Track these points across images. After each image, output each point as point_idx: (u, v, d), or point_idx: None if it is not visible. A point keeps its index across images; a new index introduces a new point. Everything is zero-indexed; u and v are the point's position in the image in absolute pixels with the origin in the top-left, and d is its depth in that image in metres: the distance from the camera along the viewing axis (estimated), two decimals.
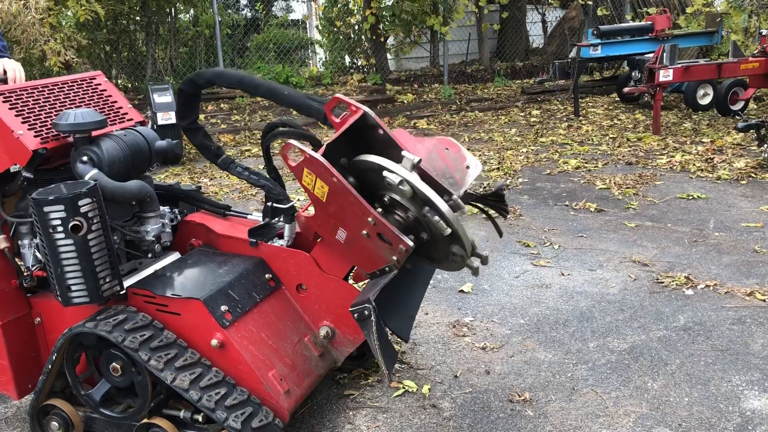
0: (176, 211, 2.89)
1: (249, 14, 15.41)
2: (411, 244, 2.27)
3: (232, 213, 3.00)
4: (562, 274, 4.19)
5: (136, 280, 2.58)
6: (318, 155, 2.30)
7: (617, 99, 11.09)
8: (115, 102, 2.86)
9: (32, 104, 2.56)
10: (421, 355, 3.27)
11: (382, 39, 12.18)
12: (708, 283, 3.93)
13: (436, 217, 2.24)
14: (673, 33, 10.54)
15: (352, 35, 12.90)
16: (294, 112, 10.47)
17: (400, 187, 2.26)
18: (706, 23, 11.24)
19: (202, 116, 9.90)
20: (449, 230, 2.25)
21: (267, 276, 2.70)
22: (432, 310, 3.73)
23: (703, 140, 7.85)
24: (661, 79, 8.17)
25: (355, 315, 2.26)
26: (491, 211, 2.80)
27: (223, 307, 2.45)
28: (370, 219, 2.28)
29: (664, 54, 8.23)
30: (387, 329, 2.59)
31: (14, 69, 2.94)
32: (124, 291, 2.47)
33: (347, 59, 13.24)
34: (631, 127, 8.92)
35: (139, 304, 2.51)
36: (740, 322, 3.46)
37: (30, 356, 2.69)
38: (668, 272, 4.13)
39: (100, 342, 2.45)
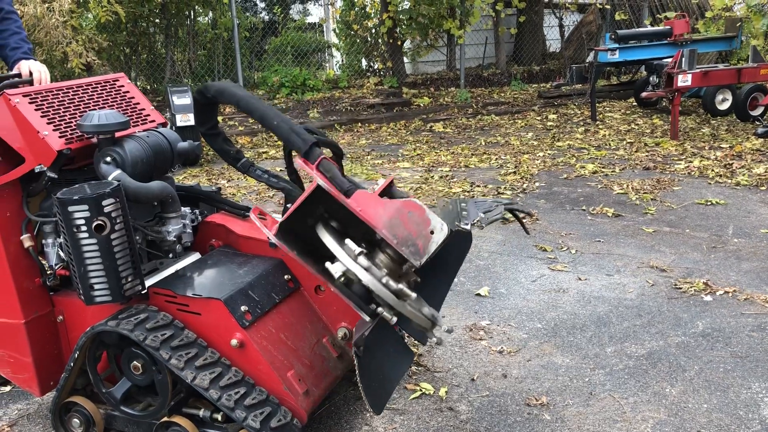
0: (197, 212, 2.92)
1: (267, 17, 15.49)
2: (368, 319, 2.33)
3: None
4: (580, 279, 4.18)
5: (157, 279, 2.60)
6: (271, 235, 2.39)
7: (635, 104, 11.05)
8: (138, 104, 2.89)
9: (57, 105, 2.59)
10: (438, 357, 3.27)
11: (399, 42, 12.21)
12: (727, 290, 3.91)
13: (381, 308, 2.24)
14: (692, 38, 10.48)
15: (369, 38, 12.93)
16: (312, 114, 10.50)
17: (339, 280, 2.26)
18: (726, 28, 11.17)
19: (219, 118, 10.00)
20: (394, 319, 2.24)
21: (286, 277, 2.72)
22: (449, 313, 3.74)
23: (721, 146, 7.79)
24: (680, 84, 8.12)
25: (354, 350, 2.28)
26: (519, 214, 2.79)
27: (243, 308, 2.47)
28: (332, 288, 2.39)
29: (683, 59, 8.19)
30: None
31: (40, 71, 2.99)
32: (145, 290, 2.50)
33: (364, 62, 13.27)
34: (649, 132, 8.87)
35: (160, 304, 2.53)
36: (760, 329, 3.44)
37: (52, 354, 2.72)
38: (686, 278, 4.11)
39: (122, 340, 2.48)
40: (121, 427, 2.63)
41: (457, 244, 2.69)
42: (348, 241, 2.29)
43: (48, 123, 2.51)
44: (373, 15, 12.69)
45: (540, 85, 12.98)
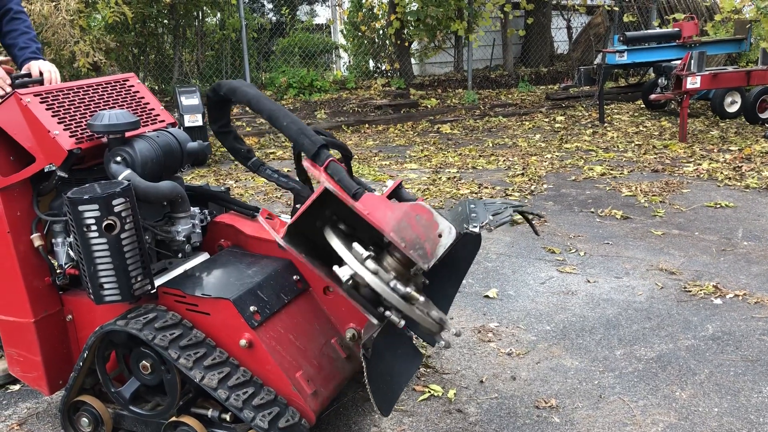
0: (206, 212, 2.92)
1: (274, 18, 15.51)
2: (376, 322, 2.38)
3: None
4: (588, 281, 4.16)
5: (166, 279, 2.60)
6: (279, 238, 2.44)
7: (643, 106, 11.01)
8: (148, 103, 2.89)
9: (68, 105, 2.60)
10: (447, 359, 3.26)
11: (407, 44, 12.20)
12: (737, 293, 3.89)
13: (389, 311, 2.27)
14: (701, 40, 10.44)
15: (377, 40, 12.93)
16: (319, 115, 10.50)
17: (348, 283, 2.29)
18: (735, 30, 11.13)
19: None
20: (402, 323, 2.26)
21: (295, 278, 2.71)
22: (457, 315, 3.73)
23: (731, 148, 7.76)
24: (689, 86, 8.09)
25: (362, 352, 2.30)
26: (528, 216, 2.78)
27: (252, 308, 2.46)
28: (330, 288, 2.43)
29: (692, 61, 8.15)
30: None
31: (50, 71, 2.99)
32: (154, 290, 2.50)
33: (371, 63, 13.27)
34: (657, 135, 8.84)
35: (169, 303, 2.53)
36: None
37: (61, 353, 2.73)
38: (696, 281, 4.09)
39: (131, 340, 2.48)
40: (130, 427, 2.63)
41: (466, 246, 2.69)
42: (356, 244, 2.29)
43: (59, 122, 2.51)
44: (380, 16, 12.69)
45: (548, 87, 12.95)
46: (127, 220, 2.33)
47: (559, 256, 4.61)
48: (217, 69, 11.87)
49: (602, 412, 2.80)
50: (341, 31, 13.66)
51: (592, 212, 5.60)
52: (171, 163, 2.68)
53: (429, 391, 2.97)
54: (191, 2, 10.72)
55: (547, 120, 10.41)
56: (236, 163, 8.04)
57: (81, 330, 2.72)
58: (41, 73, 2.99)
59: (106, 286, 2.36)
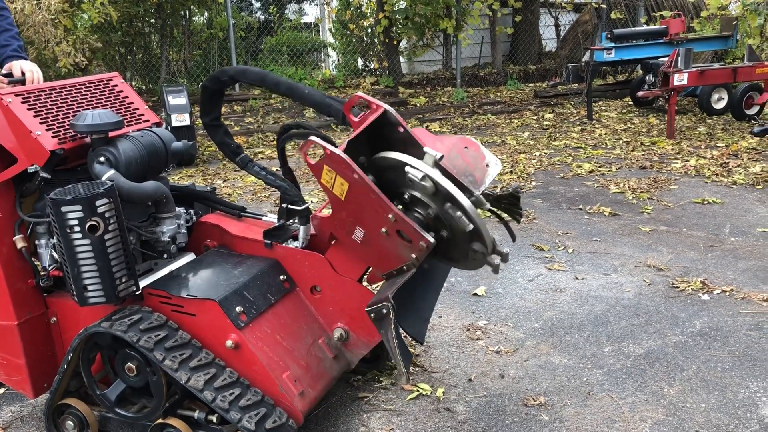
0: (192, 212, 2.90)
1: (262, 17, 15.46)
2: (432, 240, 2.26)
3: (247, 214, 3.00)
4: (577, 278, 4.17)
5: (151, 280, 2.58)
6: (339, 151, 2.30)
7: (631, 103, 11.05)
8: (132, 103, 2.87)
9: (50, 105, 2.57)
10: (435, 358, 3.25)
11: (395, 42, 12.19)
12: (724, 289, 3.90)
13: (458, 213, 2.23)
14: (688, 37, 10.49)
15: (365, 38, 12.92)
16: (308, 114, 10.48)
17: (422, 183, 2.25)
18: (721, 27, 11.18)
19: None
20: (471, 226, 2.24)
21: (282, 277, 2.70)
22: (446, 314, 3.72)
23: (718, 144, 7.80)
24: (676, 83, 8.12)
25: (372, 315, 2.26)
26: (504, 215, 2.79)
27: (238, 308, 2.45)
28: (390, 216, 2.26)
29: (679, 58, 8.18)
30: (402, 331, 2.58)
31: (32, 70, 2.96)
32: (139, 291, 2.48)
33: (360, 62, 13.26)
34: (645, 131, 8.87)
35: (154, 305, 2.51)
36: (757, 328, 3.43)
37: (46, 355, 2.70)
38: (684, 277, 4.10)
39: (116, 342, 2.46)
40: (116, 430, 2.60)
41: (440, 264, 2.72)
42: (427, 148, 2.30)
43: (41, 123, 2.48)
44: (369, 14, 12.67)
45: (536, 85, 12.97)
46: (111, 221, 2.30)
47: (547, 254, 4.61)
48: (204, 68, 11.82)
49: (591, 409, 2.80)
50: (329, 30, 13.64)
51: (581, 209, 5.61)
52: (155, 163, 2.66)
53: (418, 390, 2.96)
54: (178, 1, 10.68)
55: (535, 117, 10.43)
56: (224, 162, 8.01)
57: (66, 332, 2.69)
58: (23, 73, 2.96)
59: (90, 287, 2.34)
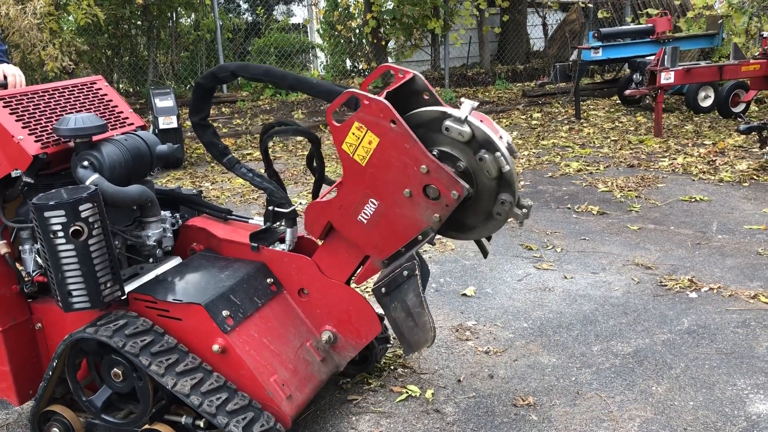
0: (177, 215, 2.88)
1: (250, 18, 15.42)
2: (466, 186, 2.25)
3: (233, 217, 2.99)
4: (565, 278, 4.17)
5: (137, 285, 2.56)
6: (381, 98, 2.29)
7: (618, 101, 11.08)
8: (116, 107, 2.85)
9: (33, 109, 2.54)
10: (424, 359, 3.25)
11: (383, 43, 12.19)
12: (712, 286, 3.91)
13: (497, 153, 2.24)
14: (674, 35, 10.53)
15: (353, 39, 12.90)
16: (296, 115, 10.45)
17: (461, 128, 2.25)
18: (707, 26, 11.24)
19: None
20: (508, 167, 2.25)
21: (268, 280, 2.69)
22: (435, 314, 3.72)
23: (704, 142, 7.83)
24: (663, 81, 8.15)
25: (383, 289, 2.34)
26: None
27: (225, 312, 2.43)
28: (423, 166, 2.25)
29: (665, 56, 8.22)
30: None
31: (14, 74, 2.94)
32: (125, 296, 2.46)
33: (348, 63, 13.24)
34: (633, 130, 8.90)
35: (140, 309, 2.49)
36: (745, 325, 3.44)
37: (31, 362, 2.67)
38: (672, 275, 4.12)
39: (101, 347, 2.44)
40: None
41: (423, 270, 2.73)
42: (464, 99, 2.34)
43: (23, 127, 2.46)
44: (356, 15, 12.66)
45: (524, 84, 13.00)
46: (95, 226, 2.28)
47: (536, 253, 4.62)
48: (192, 70, 11.77)
49: (579, 408, 2.81)
50: (318, 31, 13.61)
51: (569, 208, 5.62)
52: (140, 166, 2.64)
53: (407, 392, 2.96)
54: (165, 3, 10.62)
55: (524, 117, 10.45)
56: (212, 164, 7.98)
57: (51, 338, 2.67)
58: (5, 77, 2.93)
59: (74, 293, 2.31)
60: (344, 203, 2.46)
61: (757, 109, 9.82)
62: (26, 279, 2.59)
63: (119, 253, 2.60)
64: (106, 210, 2.33)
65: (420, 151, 2.26)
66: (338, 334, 2.68)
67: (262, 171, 2.90)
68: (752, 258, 4.34)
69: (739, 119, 8.74)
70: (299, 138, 9.37)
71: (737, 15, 11.45)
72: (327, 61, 13.53)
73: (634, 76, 9.81)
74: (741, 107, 9.23)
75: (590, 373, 3.07)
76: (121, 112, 2.83)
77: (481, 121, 2.38)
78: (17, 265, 2.62)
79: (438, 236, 2.47)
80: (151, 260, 2.69)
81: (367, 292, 4.06)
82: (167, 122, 7.37)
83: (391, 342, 3.30)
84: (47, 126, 2.53)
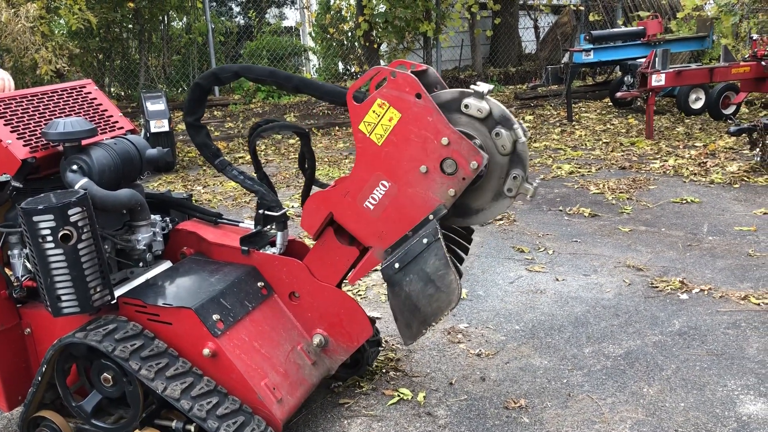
0: (167, 219, 2.87)
1: (242, 21, 15.40)
2: (486, 156, 2.29)
3: (223, 221, 2.98)
4: (557, 280, 4.18)
5: (127, 289, 2.56)
6: (407, 71, 2.33)
7: (610, 104, 11.12)
8: (106, 110, 2.84)
9: (21, 113, 2.54)
10: (416, 362, 3.25)
11: (375, 45, 12.19)
12: (702, 288, 3.93)
13: (515, 125, 2.30)
14: (665, 38, 10.58)
15: (345, 42, 12.91)
16: (288, 118, 10.44)
17: (480, 104, 2.30)
18: (697, 28, 11.30)
19: None
20: (524, 138, 2.31)
21: (259, 284, 2.68)
22: None
23: (695, 144, 7.87)
24: (654, 83, 8.18)
25: (425, 239, 2.34)
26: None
27: (215, 316, 2.43)
28: (444, 138, 2.28)
29: (656, 58, 8.25)
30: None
31: (3, 78, 2.92)
32: (115, 300, 2.45)
33: (341, 66, 13.25)
34: (624, 132, 8.93)
35: (130, 314, 2.48)
36: (735, 327, 3.46)
37: (20, 367, 2.66)
38: (663, 277, 4.13)
39: (91, 352, 2.43)
40: None
41: None
42: (479, 82, 2.41)
43: (11, 131, 2.45)
44: (348, 18, 12.67)
45: (516, 87, 13.02)
46: (84, 230, 2.27)
47: (528, 255, 4.63)
48: (183, 74, 11.76)
49: (571, 410, 2.81)
50: (310, 34, 13.61)
51: (561, 210, 5.63)
52: (129, 170, 2.63)
53: (398, 395, 2.95)
54: (156, 6, 10.61)
55: None
56: (204, 168, 7.96)
57: (40, 343, 2.65)
58: None
59: (63, 297, 2.30)
60: (351, 189, 2.46)
61: (747, 111, 9.87)
62: (15, 284, 2.58)
63: (109, 257, 2.59)
64: (95, 214, 2.32)
65: (443, 123, 2.29)
66: (329, 338, 2.68)
67: (254, 174, 2.89)
68: (742, 259, 4.36)
69: (730, 121, 8.78)
70: (291, 141, 9.37)
71: (726, 17, 11.50)
72: (319, 65, 13.54)
73: (626, 79, 9.84)
74: (731, 109, 9.27)
75: (582, 375, 3.08)
76: (111, 116, 2.83)
77: None
78: (6, 269, 2.60)
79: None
80: (141, 264, 2.68)
81: (359, 295, 4.06)
82: (158, 126, 7.35)
83: (383, 345, 3.30)
84: (36, 130, 2.52)
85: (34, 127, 2.53)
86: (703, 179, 6.38)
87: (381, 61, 12.68)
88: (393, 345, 3.39)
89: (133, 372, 2.30)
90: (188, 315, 2.39)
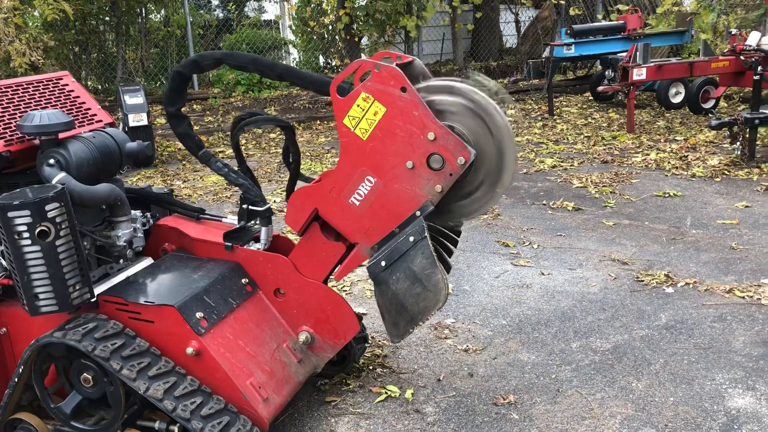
0: (148, 215, 2.80)
1: (221, 14, 15.23)
2: (474, 151, 2.24)
3: (206, 216, 2.91)
4: (543, 274, 4.16)
5: (107, 287, 2.48)
6: (392, 65, 2.27)
7: (591, 98, 11.15)
8: (83, 103, 2.76)
9: None
10: (403, 358, 3.20)
11: (356, 39, 12.12)
12: (688, 281, 3.93)
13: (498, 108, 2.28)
14: (645, 32, 10.62)
15: (326, 35, 12.81)
16: (269, 111, 10.33)
17: (471, 96, 2.28)
18: (677, 22, 11.36)
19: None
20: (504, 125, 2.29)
21: (243, 281, 2.62)
22: None
23: (676, 138, 7.90)
24: (635, 77, 8.20)
25: (412, 238, 2.28)
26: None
27: (199, 314, 2.36)
28: (430, 133, 2.23)
29: (637, 53, 8.27)
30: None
31: None
32: (94, 299, 2.37)
33: (321, 59, 13.15)
34: (606, 126, 8.96)
35: (110, 312, 2.41)
36: (721, 320, 3.46)
37: None
38: (648, 270, 4.12)
39: (70, 352, 2.35)
40: None
41: None
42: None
43: None
44: (329, 11, 12.57)
45: (498, 81, 13.01)
46: (62, 226, 2.20)
47: (513, 250, 4.60)
48: (162, 67, 11.60)
49: (560, 406, 2.78)
50: (290, 27, 13.49)
51: (545, 204, 5.62)
52: (109, 164, 2.56)
53: (386, 392, 2.91)
54: None
55: None
56: (184, 162, 7.84)
57: (17, 343, 2.57)
58: None
59: (41, 296, 2.23)
60: (336, 185, 2.40)
61: (726, 105, 9.94)
62: None
63: (88, 254, 2.52)
64: (74, 210, 2.24)
65: (429, 117, 2.24)
66: (316, 335, 2.63)
67: (237, 168, 2.83)
68: (726, 252, 4.37)
69: (711, 115, 8.84)
70: (272, 135, 9.27)
71: (705, 12, 11.59)
72: (300, 58, 13.43)
73: (606, 73, 9.87)
74: (711, 103, 9.34)
75: (570, 370, 3.06)
76: (89, 109, 2.75)
77: None
78: None
79: None
80: (121, 261, 2.61)
81: (345, 291, 4.00)
82: (137, 119, 7.23)
83: (370, 341, 3.26)
84: (11, 123, 2.44)
85: (8, 119, 2.44)
86: (685, 173, 6.41)
87: (362, 55, 12.61)
88: (379, 341, 3.34)
89: (114, 372, 2.23)
90: (171, 313, 2.32)
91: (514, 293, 3.90)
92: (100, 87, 11.24)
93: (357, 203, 2.40)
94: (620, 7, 12.62)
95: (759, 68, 6.84)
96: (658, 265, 4.22)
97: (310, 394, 2.93)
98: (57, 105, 2.65)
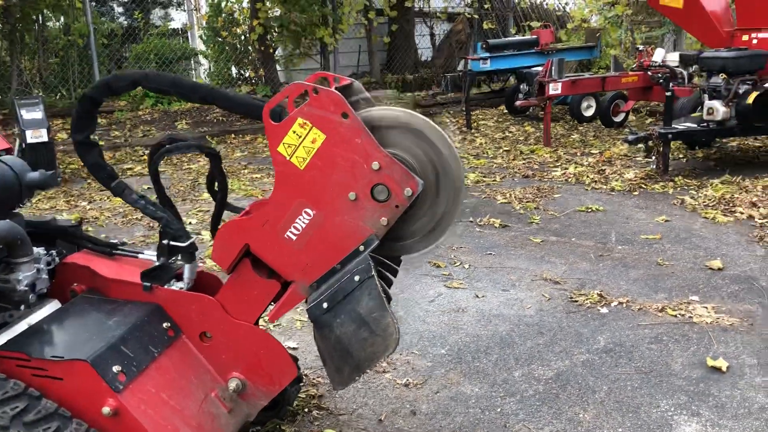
0: (53, 252, 2.48)
1: (126, 23, 14.57)
2: (421, 181, 2.06)
3: (120, 252, 2.62)
4: (477, 296, 4.05)
5: (6, 338, 2.16)
6: (332, 90, 2.06)
7: (505, 111, 11.30)
8: None
9: None
10: (341, 397, 3.00)
11: (271, 50, 11.84)
12: (620, 300, 3.91)
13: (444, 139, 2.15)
14: (557, 47, 10.88)
15: (239, 46, 12.45)
16: (180, 126, 9.90)
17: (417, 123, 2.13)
18: (586, 38, 11.72)
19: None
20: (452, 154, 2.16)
21: (165, 325, 2.34)
22: None
23: (592, 152, 8.06)
24: (551, 92, 8.33)
25: (357, 277, 2.11)
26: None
27: (116, 368, 2.08)
28: (375, 162, 2.03)
29: (553, 68, 8.41)
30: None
31: None
32: None
33: (234, 70, 12.77)
34: (523, 140, 9.06)
35: (10, 369, 2.09)
36: (657, 341, 3.44)
37: None
38: (581, 290, 4.09)
39: None
40: None
41: None
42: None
43: None
44: (242, 22, 12.22)
45: (414, 94, 13.02)
46: None
47: (444, 270, 4.48)
48: (63, 78, 10.93)
49: None
50: (200, 37, 13.03)
51: (471, 221, 5.55)
52: (6, 198, 2.24)
53: None
54: (28, 5, 9.76)
55: None
56: (89, 181, 7.35)
57: None
58: None
59: None
60: (271, 218, 2.17)
61: (634, 118, 10.28)
62: None
63: None
64: None
65: (372, 146, 2.05)
66: (247, 382, 2.39)
67: (146, 188, 2.55)
68: (653, 269, 4.41)
69: (627, 129, 9.10)
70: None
71: (613, 29, 12.02)
72: (211, 69, 12.99)
73: (521, 87, 10.03)
74: (621, 117, 9.63)
75: (515, 402, 2.94)
76: None
77: None
78: None
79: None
80: (22, 307, 2.28)
81: (273, 323, 3.76)
82: (36, 136, 6.67)
83: (304, 381, 3.03)
84: None
85: None
86: (604, 187, 6.51)
87: (277, 66, 12.34)
88: (314, 379, 3.12)
89: None
90: (83, 368, 2.03)
91: (450, 318, 3.77)
92: None
93: (294, 238, 2.18)
94: (532, 23, 12.91)
95: (670, 84, 7.07)
96: (590, 283, 4.20)
97: None
98: None
